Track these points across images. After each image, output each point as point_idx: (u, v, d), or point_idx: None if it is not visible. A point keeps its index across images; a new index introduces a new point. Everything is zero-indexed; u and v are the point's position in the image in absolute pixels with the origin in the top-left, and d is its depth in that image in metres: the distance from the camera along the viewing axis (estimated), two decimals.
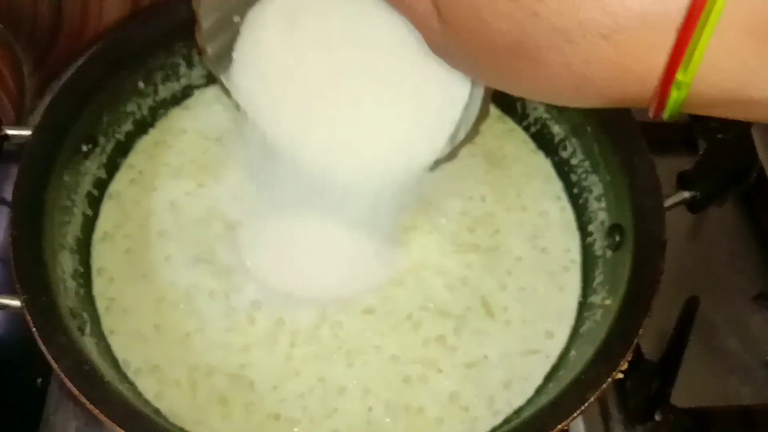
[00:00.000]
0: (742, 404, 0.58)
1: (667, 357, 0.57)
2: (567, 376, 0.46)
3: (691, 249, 0.66)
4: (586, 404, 0.41)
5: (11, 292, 0.44)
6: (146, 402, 0.46)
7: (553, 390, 0.47)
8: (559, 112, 0.58)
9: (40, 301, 0.43)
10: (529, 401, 0.48)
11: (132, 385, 0.47)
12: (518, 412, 0.48)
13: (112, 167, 0.56)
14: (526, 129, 0.61)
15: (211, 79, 0.61)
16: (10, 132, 0.51)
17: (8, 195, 0.65)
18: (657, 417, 0.56)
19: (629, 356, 0.43)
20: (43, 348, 0.41)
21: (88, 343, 0.46)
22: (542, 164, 0.59)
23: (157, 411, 0.46)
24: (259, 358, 0.48)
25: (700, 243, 0.67)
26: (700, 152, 0.54)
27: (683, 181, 0.52)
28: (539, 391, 0.48)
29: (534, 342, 0.50)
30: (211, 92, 0.61)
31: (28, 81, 0.67)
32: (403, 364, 0.49)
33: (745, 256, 0.66)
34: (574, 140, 0.57)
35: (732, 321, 0.63)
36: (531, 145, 0.60)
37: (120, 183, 0.56)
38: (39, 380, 0.58)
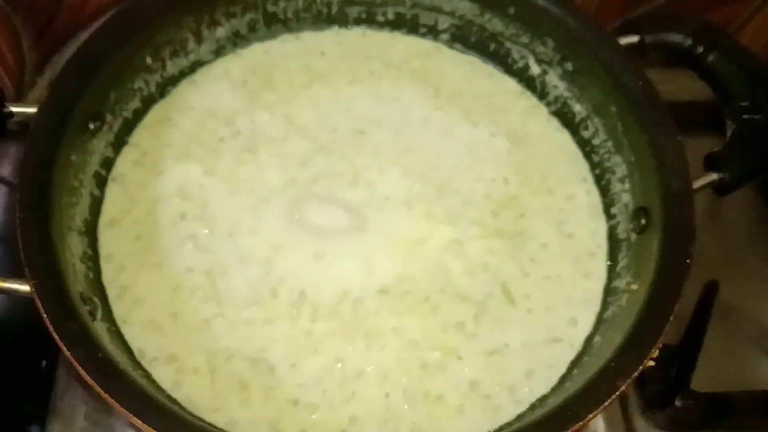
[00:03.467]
0: (762, 389, 0.57)
1: (687, 342, 0.56)
2: (592, 363, 0.45)
3: (710, 232, 0.65)
4: (618, 393, 0.40)
5: (13, 274, 0.42)
6: (161, 390, 0.45)
7: (579, 377, 0.46)
8: (581, 90, 0.56)
9: (50, 286, 0.42)
10: (553, 389, 0.47)
11: (146, 372, 0.45)
12: (542, 400, 0.47)
13: (119, 146, 0.54)
14: (548, 106, 0.59)
15: (219, 54, 0.59)
16: (14, 109, 0.48)
17: (7, 173, 0.64)
18: (677, 402, 0.55)
19: (660, 343, 0.42)
20: (56, 336, 0.39)
21: (100, 329, 0.44)
22: (567, 144, 0.57)
23: (173, 400, 0.44)
24: (281, 333, 0.47)
25: (718, 226, 0.66)
26: (727, 133, 0.52)
27: (711, 162, 0.51)
28: (563, 379, 0.47)
29: (558, 330, 0.49)
30: (220, 67, 0.59)
31: (28, 56, 0.65)
32: (422, 349, 0.48)
33: (764, 240, 0.65)
34: (596, 119, 0.56)
35: (752, 305, 0.62)
36: (555, 123, 0.58)
37: (124, 165, 0.54)
38: (44, 363, 0.56)
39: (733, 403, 0.56)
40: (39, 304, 0.41)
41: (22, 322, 0.56)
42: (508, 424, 0.46)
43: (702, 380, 0.55)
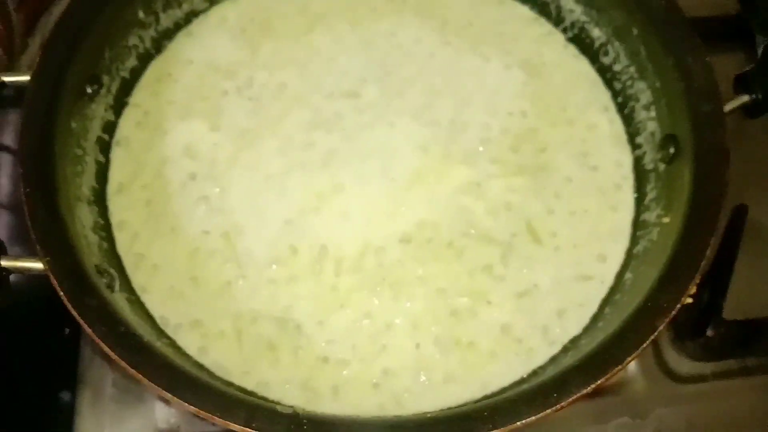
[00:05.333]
0: None
1: (717, 268, 0.54)
2: (626, 301, 0.44)
3: (737, 153, 0.63)
4: (656, 332, 0.39)
5: (22, 245, 0.41)
6: (188, 357, 0.44)
7: (612, 316, 0.45)
8: (599, 13, 0.53)
9: (64, 261, 0.40)
10: (585, 329, 0.46)
11: (171, 340, 0.44)
12: (574, 340, 0.46)
13: (120, 108, 0.52)
14: (564, 32, 0.56)
15: (214, 2, 0.56)
16: (6, 79, 0.46)
17: (9, 141, 0.62)
18: (709, 332, 0.54)
19: (698, 278, 0.40)
20: (75, 313, 0.38)
21: (119, 300, 0.43)
22: (586, 71, 0.54)
23: (200, 366, 0.44)
24: (306, 291, 0.46)
25: (745, 146, 0.63)
26: (758, 51, 0.49)
27: (742, 83, 0.48)
28: (595, 318, 0.46)
29: (587, 267, 0.48)
30: (216, 15, 0.56)
31: (15, 17, 0.62)
32: (451, 296, 0.47)
33: None
34: (617, 44, 0.53)
35: None
36: (572, 49, 0.55)
37: (126, 127, 0.52)
38: (67, 330, 0.56)
39: (766, 328, 0.55)
40: (54, 281, 0.39)
41: (39, 289, 0.56)
42: (542, 368, 0.45)
43: (734, 306, 0.54)
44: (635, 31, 0.50)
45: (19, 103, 0.46)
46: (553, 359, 0.45)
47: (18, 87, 0.47)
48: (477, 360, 0.45)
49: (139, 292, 0.46)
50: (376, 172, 0.50)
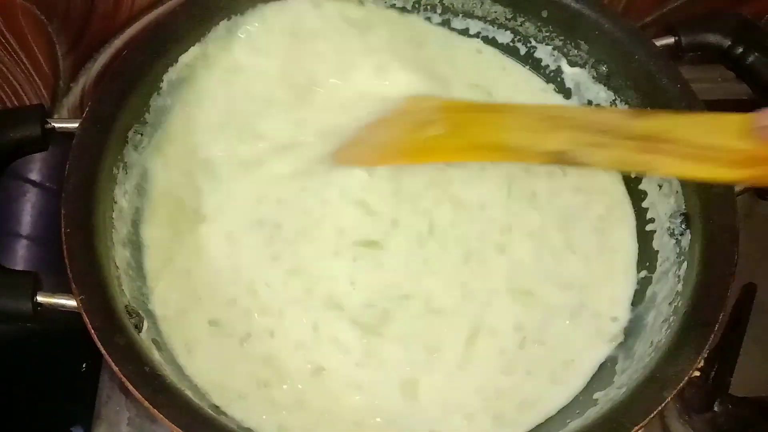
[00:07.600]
0: None
1: (725, 345, 0.55)
2: (634, 368, 0.45)
3: (747, 231, 0.64)
4: (664, 404, 0.40)
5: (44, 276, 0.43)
6: (206, 398, 0.45)
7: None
8: (617, 92, 0.56)
9: (97, 300, 0.42)
10: None
11: (192, 382, 0.46)
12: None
13: (160, 158, 0.54)
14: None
15: None
16: (56, 125, 0.49)
17: (35, 176, 0.65)
18: (716, 407, 0.54)
19: (706, 352, 0.42)
20: (104, 351, 0.40)
21: (146, 341, 0.45)
22: None
23: (217, 408, 0.45)
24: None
25: (755, 225, 0.65)
26: None
27: None
28: None
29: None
30: None
31: (62, 63, 0.65)
32: None
33: None
34: None
35: None
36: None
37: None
38: (84, 365, 0.57)
39: None
40: (86, 319, 0.41)
41: (59, 322, 0.57)
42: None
43: (741, 384, 0.55)
44: (649, 110, 0.53)
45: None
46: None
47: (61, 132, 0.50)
48: None
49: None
50: None
